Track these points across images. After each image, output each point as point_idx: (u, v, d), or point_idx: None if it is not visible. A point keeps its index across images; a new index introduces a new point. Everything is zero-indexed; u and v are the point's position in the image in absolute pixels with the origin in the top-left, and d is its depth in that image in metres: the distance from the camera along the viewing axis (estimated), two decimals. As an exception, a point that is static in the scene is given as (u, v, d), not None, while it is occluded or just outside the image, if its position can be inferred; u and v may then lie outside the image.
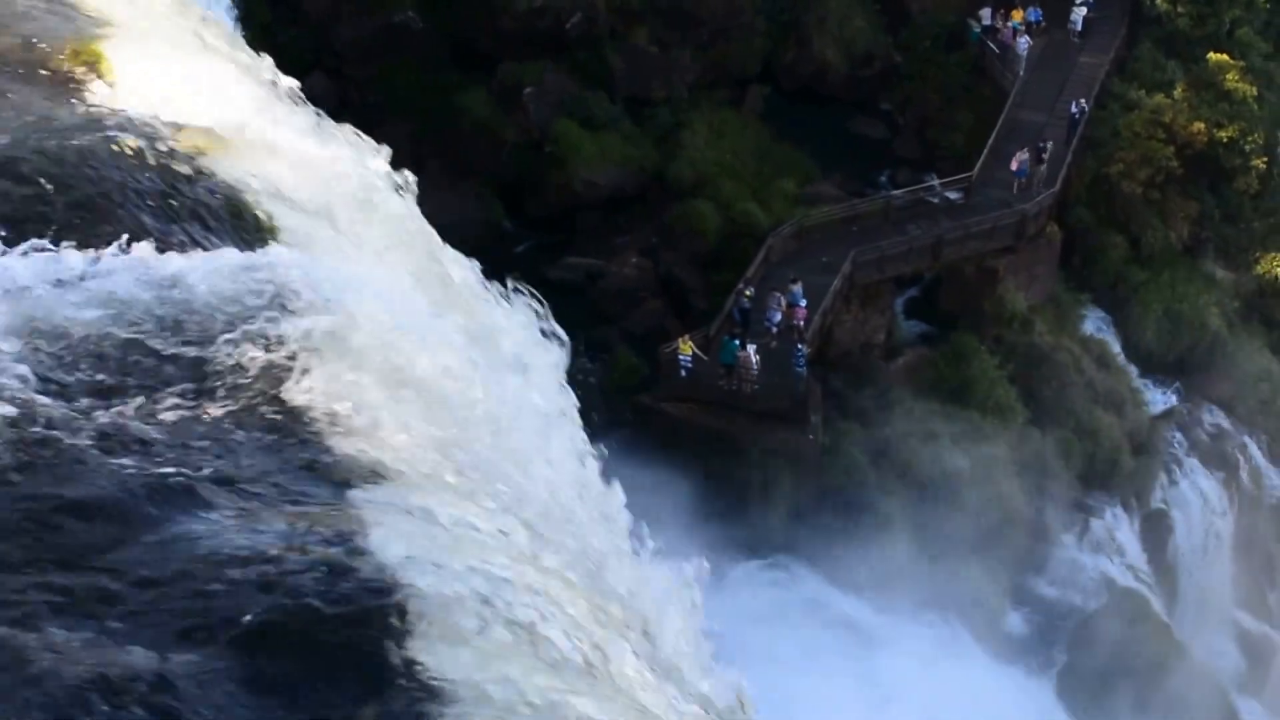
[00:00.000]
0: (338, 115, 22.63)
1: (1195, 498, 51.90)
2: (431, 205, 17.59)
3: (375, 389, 11.73)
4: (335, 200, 16.03)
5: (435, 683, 9.15)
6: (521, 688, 9.56)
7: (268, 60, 20.24)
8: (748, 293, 43.74)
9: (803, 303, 44.03)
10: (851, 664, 38.86)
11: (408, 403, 11.98)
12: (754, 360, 42.14)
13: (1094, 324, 53.20)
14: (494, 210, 50.27)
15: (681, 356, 42.21)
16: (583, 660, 10.59)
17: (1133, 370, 52.74)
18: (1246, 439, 54.13)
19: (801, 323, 43.77)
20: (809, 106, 55.94)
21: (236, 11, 36.56)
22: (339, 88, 50.37)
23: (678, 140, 52.05)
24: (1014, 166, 50.32)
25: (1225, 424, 53.94)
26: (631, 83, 53.10)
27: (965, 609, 42.77)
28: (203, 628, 9.14)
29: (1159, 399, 53.38)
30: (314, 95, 19.61)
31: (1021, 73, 55.50)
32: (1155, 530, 50.57)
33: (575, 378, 43.75)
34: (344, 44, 51.85)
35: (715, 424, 42.08)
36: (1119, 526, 49.19)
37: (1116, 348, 52.78)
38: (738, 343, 42.24)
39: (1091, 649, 45.32)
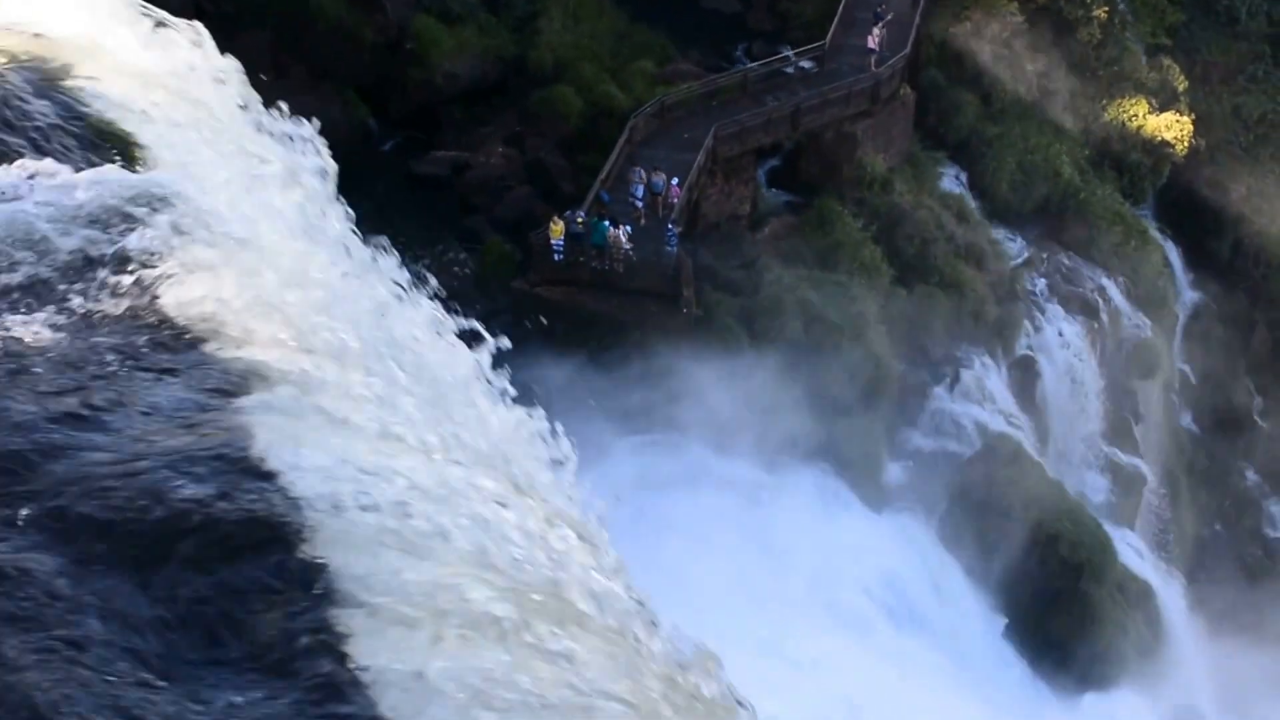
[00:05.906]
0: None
1: (1058, 342, 53.51)
2: (296, 111, 17.76)
3: (247, 296, 11.27)
4: (187, 111, 14.88)
5: (337, 586, 9.06)
6: (419, 584, 9.37)
7: None
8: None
9: (674, 182, 44.49)
10: (739, 524, 39.51)
11: (283, 306, 11.49)
12: (625, 240, 42.75)
13: (951, 180, 54.41)
14: (358, 111, 50.24)
15: (554, 240, 42.63)
16: (488, 550, 10.16)
17: (991, 222, 54.08)
18: (1105, 281, 55.68)
19: (674, 201, 44.36)
20: (663, -14, 56.15)
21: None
22: (193, -3, 49.91)
23: (535, 28, 52.31)
24: (872, 45, 51.13)
25: (1083, 269, 55.46)
26: (486, -27, 53.13)
27: (846, 465, 43.69)
28: (98, 545, 8.88)
29: (1018, 249, 54.83)
30: (167, 6, 19.29)
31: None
32: (1023, 376, 52.09)
33: (450, 269, 44.66)
34: (194, -49, 51.35)
35: (591, 305, 42.64)
36: (988, 375, 50.49)
37: (974, 202, 54.14)
38: (608, 223, 42.74)
39: (969, 492, 46.65)
